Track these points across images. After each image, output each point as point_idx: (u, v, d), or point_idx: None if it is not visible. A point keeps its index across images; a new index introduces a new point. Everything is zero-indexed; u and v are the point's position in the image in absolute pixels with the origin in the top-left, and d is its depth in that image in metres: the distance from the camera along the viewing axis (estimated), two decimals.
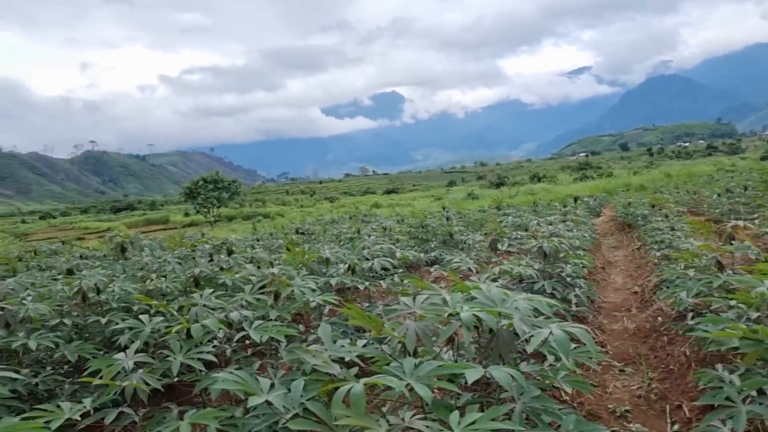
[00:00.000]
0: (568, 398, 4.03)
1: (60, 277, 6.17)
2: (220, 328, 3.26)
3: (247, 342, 4.16)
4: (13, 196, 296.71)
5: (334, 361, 2.38)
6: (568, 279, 5.98)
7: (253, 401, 2.08)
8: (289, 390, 2.46)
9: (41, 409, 2.65)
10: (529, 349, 2.41)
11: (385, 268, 6.09)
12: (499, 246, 7.36)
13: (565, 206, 16.48)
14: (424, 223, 12.34)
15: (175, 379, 3.32)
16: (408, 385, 2.05)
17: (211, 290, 4.04)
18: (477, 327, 2.64)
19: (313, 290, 4.49)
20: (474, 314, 2.48)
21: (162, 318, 3.71)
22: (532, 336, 2.43)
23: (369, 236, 9.06)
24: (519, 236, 9.11)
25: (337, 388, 1.86)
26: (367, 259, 6.17)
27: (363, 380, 1.91)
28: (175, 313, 3.56)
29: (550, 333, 2.37)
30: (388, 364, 2.70)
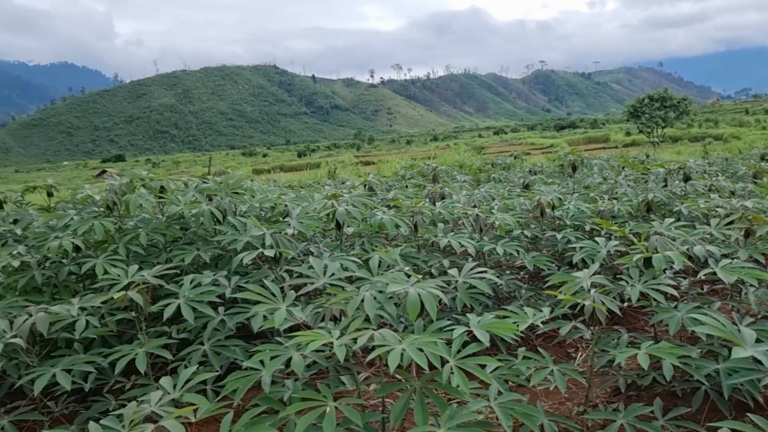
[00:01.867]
0: None
1: (518, 190, 6.72)
2: (682, 261, 3.05)
3: (702, 278, 3.81)
4: (473, 113, 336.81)
5: None
6: None
7: (737, 353, 1.87)
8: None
9: (507, 309, 2.95)
10: None
11: None
12: None
13: None
14: None
15: (625, 304, 3.29)
16: None
17: (672, 219, 3.79)
18: None
19: None
20: None
21: (617, 242, 3.68)
22: None
23: None
24: None
25: None
26: None
27: None
28: (632, 238, 3.47)
29: None
30: None
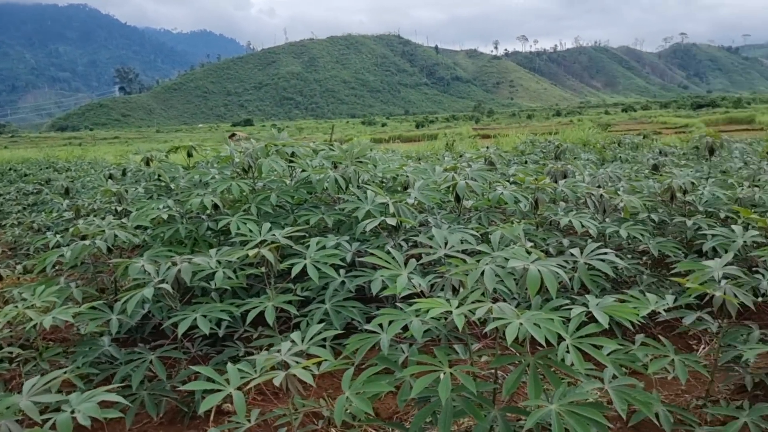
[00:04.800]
0: None
1: (645, 171, 6.40)
2: None
3: None
4: (600, 88, 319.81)
5: None
6: None
7: None
8: None
9: (627, 293, 2.87)
10: None
11: None
12: None
13: None
14: None
15: (759, 299, 3.10)
16: None
17: None
18: None
19: None
20: None
21: (757, 233, 3.45)
22: None
23: None
24: None
25: None
26: None
27: None
28: None
29: None
30: None
